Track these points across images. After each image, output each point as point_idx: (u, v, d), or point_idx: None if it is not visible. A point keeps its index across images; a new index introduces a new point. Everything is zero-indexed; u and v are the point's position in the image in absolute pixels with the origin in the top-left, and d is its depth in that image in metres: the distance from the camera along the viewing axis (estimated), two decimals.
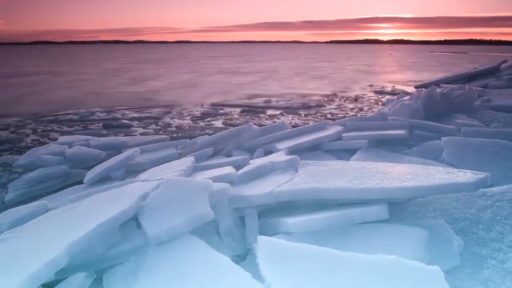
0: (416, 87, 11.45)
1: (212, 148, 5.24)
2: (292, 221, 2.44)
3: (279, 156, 3.57)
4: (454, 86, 7.29)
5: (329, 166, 3.19)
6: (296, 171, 3.18)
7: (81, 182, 4.39)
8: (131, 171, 4.48)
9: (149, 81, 19.97)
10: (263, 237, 2.22)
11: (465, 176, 2.63)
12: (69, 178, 4.68)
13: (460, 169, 2.82)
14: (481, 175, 2.63)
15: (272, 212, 3.02)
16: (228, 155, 4.71)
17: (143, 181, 3.59)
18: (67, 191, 4.07)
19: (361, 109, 10.46)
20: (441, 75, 14.61)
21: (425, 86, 10.18)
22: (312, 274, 1.91)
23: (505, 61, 11.66)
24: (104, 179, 4.30)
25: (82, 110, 10.79)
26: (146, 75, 23.98)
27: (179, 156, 4.87)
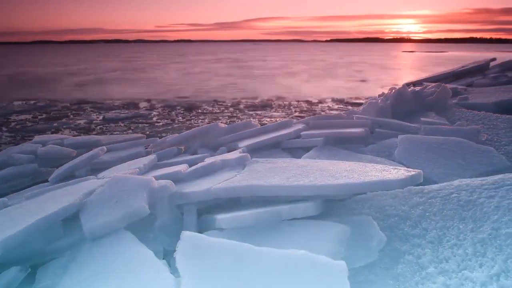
0: (406, 85, 11.42)
1: (183, 146, 5.32)
2: (220, 217, 2.51)
3: (232, 154, 3.63)
4: (432, 84, 7.30)
5: (275, 164, 3.24)
6: (243, 169, 3.24)
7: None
8: (97, 169, 4.55)
9: None
10: (186, 232, 2.28)
11: (398, 173, 2.68)
12: (38, 176, 4.77)
13: (395, 167, 2.86)
14: (412, 172, 2.67)
15: (220, 209, 3.08)
16: (194, 153, 4.78)
17: (99, 179, 3.67)
18: (31, 190, 4.15)
19: None
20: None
21: (413, 84, 10.16)
22: (222, 268, 1.97)
23: (493, 59, 11.62)
24: (69, 178, 4.38)
25: None
26: None
27: (147, 154, 4.94)
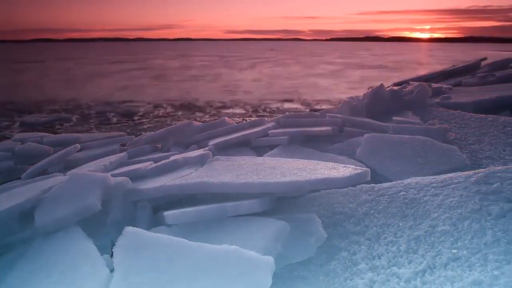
0: (394, 84, 11.42)
1: (160, 144, 5.38)
2: (166, 214, 2.57)
3: (194, 152, 3.69)
4: (415, 83, 7.31)
5: (233, 162, 3.29)
6: (202, 166, 3.29)
7: None
8: (71, 166, 4.62)
9: None
10: (128, 227, 2.32)
11: (344, 171, 2.72)
12: (13, 173, 4.84)
13: (346, 165, 2.90)
14: (359, 170, 2.72)
15: (178, 205, 3.14)
16: (168, 151, 4.84)
17: (65, 176, 3.73)
18: (2, 186, 4.22)
19: None
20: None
21: (401, 84, 10.15)
22: (154, 262, 2.02)
23: (484, 59, 11.59)
24: (42, 175, 4.45)
25: None
26: None
27: (121, 152, 5.00)
